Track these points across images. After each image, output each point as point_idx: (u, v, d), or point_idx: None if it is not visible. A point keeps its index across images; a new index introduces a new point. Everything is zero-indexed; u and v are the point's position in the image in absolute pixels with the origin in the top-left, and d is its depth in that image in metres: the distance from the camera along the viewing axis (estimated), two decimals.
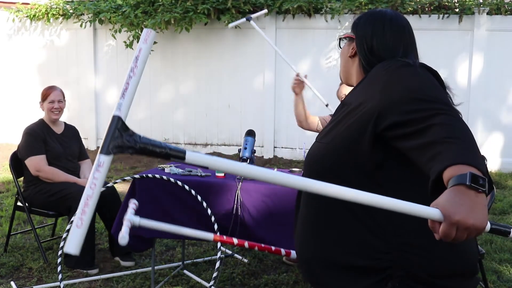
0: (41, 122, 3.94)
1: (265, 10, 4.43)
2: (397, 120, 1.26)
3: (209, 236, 2.14)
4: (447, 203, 1.05)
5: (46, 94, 3.89)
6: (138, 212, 3.32)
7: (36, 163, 3.74)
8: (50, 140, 3.86)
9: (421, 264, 1.32)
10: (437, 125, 1.17)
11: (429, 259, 1.32)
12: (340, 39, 1.69)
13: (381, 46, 1.54)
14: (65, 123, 4.09)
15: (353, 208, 1.21)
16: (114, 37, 7.75)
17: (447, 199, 1.06)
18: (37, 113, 4.02)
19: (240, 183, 2.98)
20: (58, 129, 3.98)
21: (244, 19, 3.99)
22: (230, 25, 4.22)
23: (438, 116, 1.19)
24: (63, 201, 3.65)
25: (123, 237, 2.33)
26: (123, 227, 2.47)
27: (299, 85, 3.36)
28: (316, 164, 1.47)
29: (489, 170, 7.03)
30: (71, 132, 4.08)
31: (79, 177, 3.93)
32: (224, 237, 2.52)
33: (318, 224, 1.46)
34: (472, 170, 1.07)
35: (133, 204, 2.78)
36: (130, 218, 2.57)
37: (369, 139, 1.33)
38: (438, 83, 1.36)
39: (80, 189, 3.69)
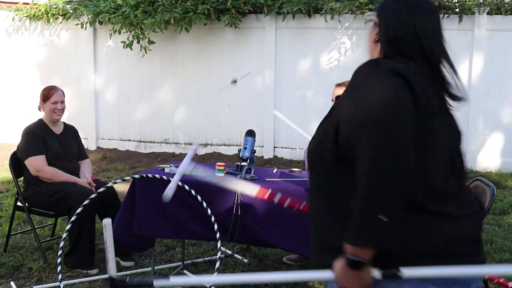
0: (41, 122, 3.93)
1: (250, 72, 4.45)
2: (346, 136, 1.44)
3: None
4: (335, 273, 1.43)
5: (49, 94, 3.89)
6: (137, 213, 3.32)
7: (36, 164, 3.74)
8: (49, 140, 3.85)
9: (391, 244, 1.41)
10: (360, 164, 1.37)
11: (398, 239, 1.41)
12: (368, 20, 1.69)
13: (401, 38, 1.53)
14: (64, 123, 4.08)
15: (328, 202, 1.51)
16: (110, 36, 7.77)
17: (336, 269, 1.42)
18: (37, 113, 4.01)
19: None
20: (58, 129, 3.97)
21: (230, 83, 4.00)
22: (219, 89, 4.20)
23: (367, 153, 1.36)
24: (63, 201, 3.65)
25: (167, 194, 2.34)
26: (172, 183, 2.47)
27: None
28: (310, 152, 1.62)
29: (489, 170, 7.03)
30: (70, 132, 4.07)
31: (79, 177, 3.92)
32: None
33: (317, 212, 1.59)
34: (353, 251, 1.37)
35: (196, 145, 2.76)
36: (185, 169, 2.52)
37: (336, 141, 1.49)
38: (399, 98, 1.38)
39: (80, 189, 3.69)
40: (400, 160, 1.34)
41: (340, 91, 3.49)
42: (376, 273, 1.40)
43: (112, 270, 1.52)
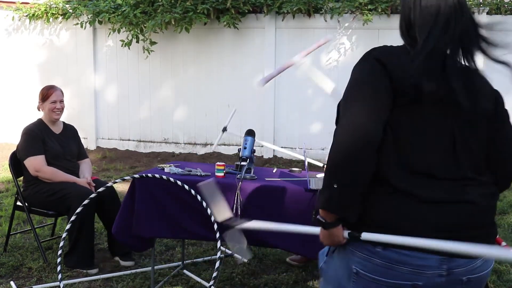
0: (40, 122, 3.93)
1: (235, 110, 4.03)
2: None
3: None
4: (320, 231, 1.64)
5: (48, 94, 3.88)
6: (137, 213, 3.30)
7: (35, 164, 3.74)
8: (49, 140, 3.85)
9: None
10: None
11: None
12: None
13: (408, 25, 1.60)
14: (63, 122, 4.08)
15: None
16: (109, 35, 7.76)
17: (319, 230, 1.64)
18: (36, 113, 4.01)
19: (240, 183, 2.98)
20: (57, 129, 3.97)
21: (221, 132, 3.82)
22: (214, 146, 3.94)
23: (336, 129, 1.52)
24: (63, 201, 3.65)
25: (262, 82, 2.61)
26: (273, 72, 2.78)
27: None
28: None
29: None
30: (70, 131, 4.07)
31: (78, 176, 3.92)
32: None
33: None
34: (321, 213, 1.56)
35: (326, 39, 2.87)
36: (296, 62, 2.64)
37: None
38: (368, 81, 1.50)
39: (80, 189, 3.69)
40: (359, 140, 1.45)
41: None
42: (345, 233, 1.59)
43: (219, 216, 1.86)
